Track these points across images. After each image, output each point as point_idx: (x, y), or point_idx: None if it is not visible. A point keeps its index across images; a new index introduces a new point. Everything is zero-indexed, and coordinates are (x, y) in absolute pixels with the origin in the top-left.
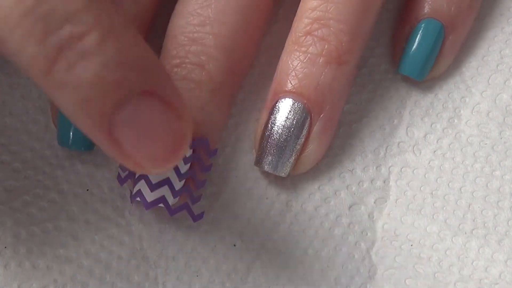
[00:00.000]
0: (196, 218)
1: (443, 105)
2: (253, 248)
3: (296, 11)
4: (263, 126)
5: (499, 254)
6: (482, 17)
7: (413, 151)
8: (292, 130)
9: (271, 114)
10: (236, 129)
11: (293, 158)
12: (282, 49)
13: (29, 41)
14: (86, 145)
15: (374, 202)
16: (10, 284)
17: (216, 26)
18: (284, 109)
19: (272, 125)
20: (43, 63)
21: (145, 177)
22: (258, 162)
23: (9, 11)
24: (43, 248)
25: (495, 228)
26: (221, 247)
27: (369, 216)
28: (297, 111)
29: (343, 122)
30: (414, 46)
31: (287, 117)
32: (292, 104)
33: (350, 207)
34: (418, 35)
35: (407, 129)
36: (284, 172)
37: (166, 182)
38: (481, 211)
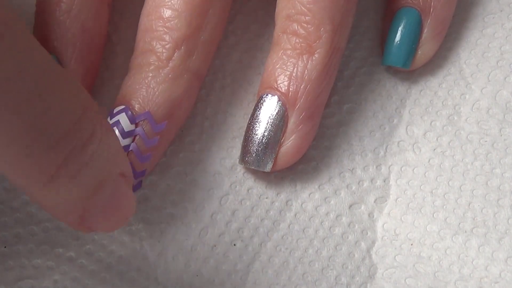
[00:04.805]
0: (133, 188)
1: (442, 102)
2: (253, 248)
3: None
4: (247, 124)
5: (499, 253)
6: (482, 14)
7: (413, 149)
8: (269, 124)
9: (253, 113)
10: (238, 130)
11: (273, 152)
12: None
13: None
14: None
15: (374, 201)
16: (10, 284)
17: (159, 10)
18: (262, 105)
19: (252, 122)
20: (46, 175)
21: None
22: (241, 160)
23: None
24: (43, 248)
25: (495, 227)
26: (221, 247)
27: (369, 215)
28: (272, 105)
29: (342, 121)
30: (392, 36)
31: (263, 112)
32: (268, 99)
33: (350, 206)
34: (395, 26)
35: (406, 128)
36: (266, 167)
37: None
38: (481, 210)
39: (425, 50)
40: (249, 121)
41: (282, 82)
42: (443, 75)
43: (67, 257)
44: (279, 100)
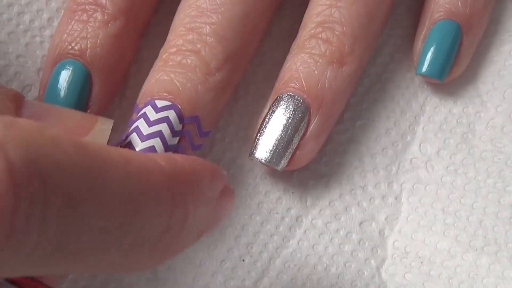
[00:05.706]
0: None
1: (457, 120)
2: (261, 264)
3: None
4: (261, 119)
5: (510, 271)
6: (499, 32)
7: (426, 167)
8: (290, 123)
9: (270, 108)
10: (250, 144)
11: (289, 151)
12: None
13: None
14: None
15: (385, 219)
16: None
17: (212, 16)
18: (284, 103)
19: (271, 117)
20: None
21: (130, 146)
22: (253, 153)
23: None
24: None
25: (506, 245)
26: (230, 262)
27: (380, 233)
28: (297, 105)
29: (355, 138)
30: (433, 46)
31: (286, 110)
32: (292, 98)
33: (361, 223)
34: (436, 36)
35: (420, 145)
36: (280, 165)
37: (151, 150)
38: (493, 228)
39: (460, 66)
40: (266, 116)
41: (310, 85)
42: (458, 92)
43: None
44: (303, 102)
